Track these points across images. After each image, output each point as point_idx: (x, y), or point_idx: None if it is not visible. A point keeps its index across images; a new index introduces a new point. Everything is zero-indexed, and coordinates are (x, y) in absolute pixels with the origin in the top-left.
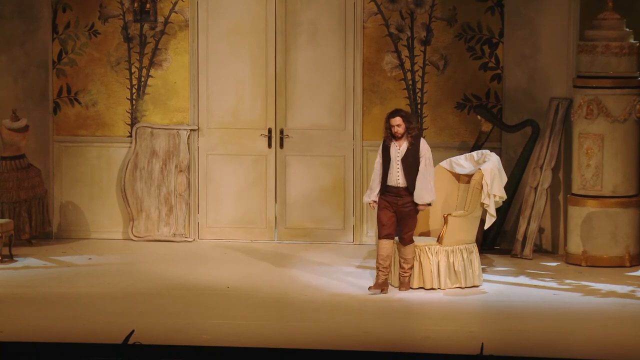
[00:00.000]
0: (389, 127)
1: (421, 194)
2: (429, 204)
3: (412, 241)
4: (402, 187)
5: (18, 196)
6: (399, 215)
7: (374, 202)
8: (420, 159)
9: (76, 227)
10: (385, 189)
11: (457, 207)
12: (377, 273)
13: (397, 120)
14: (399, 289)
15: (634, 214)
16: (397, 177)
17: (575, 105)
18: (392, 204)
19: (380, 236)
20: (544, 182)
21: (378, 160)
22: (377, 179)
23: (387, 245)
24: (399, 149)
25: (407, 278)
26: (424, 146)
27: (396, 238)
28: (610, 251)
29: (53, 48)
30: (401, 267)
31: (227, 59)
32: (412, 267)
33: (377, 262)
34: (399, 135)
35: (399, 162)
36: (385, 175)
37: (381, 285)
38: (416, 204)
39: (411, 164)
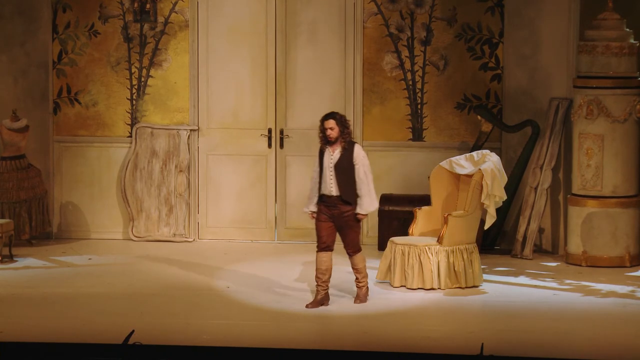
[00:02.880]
0: (323, 130)
1: (363, 203)
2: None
3: (358, 250)
4: (335, 196)
5: (18, 196)
6: (338, 225)
7: (312, 212)
8: (356, 166)
9: (76, 227)
10: (321, 198)
11: (457, 207)
12: (317, 288)
13: (331, 123)
14: (354, 301)
15: (634, 214)
16: (330, 185)
17: (575, 105)
18: (329, 214)
19: (318, 249)
20: (544, 182)
21: (314, 167)
22: (314, 187)
23: (325, 258)
24: (332, 155)
25: (364, 289)
26: (358, 152)
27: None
28: (610, 251)
29: (53, 48)
30: (355, 277)
31: (227, 59)
32: (366, 277)
33: (315, 276)
34: (333, 139)
35: (332, 169)
36: (320, 183)
37: (320, 302)
38: (355, 213)
39: (344, 171)
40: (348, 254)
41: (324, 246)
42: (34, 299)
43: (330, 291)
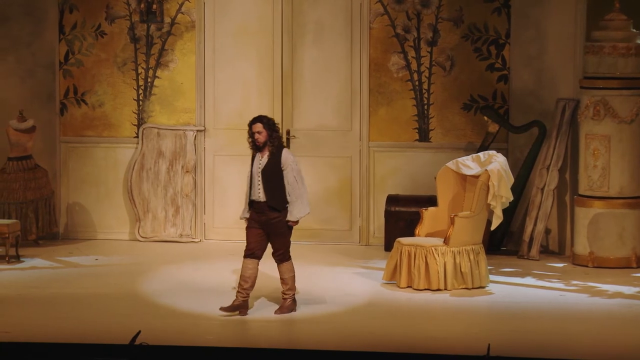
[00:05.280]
0: (250, 134)
1: (292, 210)
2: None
3: (286, 259)
4: (262, 202)
5: (25, 197)
6: (267, 232)
7: (247, 219)
8: (285, 172)
9: (83, 227)
10: (252, 205)
11: (464, 208)
12: (236, 294)
13: (258, 127)
14: (275, 312)
15: None
16: (257, 192)
17: (582, 106)
18: (258, 220)
19: (244, 255)
20: (550, 183)
21: (247, 173)
22: (247, 193)
23: (250, 265)
24: (260, 160)
25: (288, 301)
26: (287, 157)
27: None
28: (617, 252)
29: (60, 49)
30: (282, 287)
31: (234, 59)
32: (293, 289)
33: (238, 282)
34: (260, 144)
35: (259, 175)
36: (250, 189)
37: (237, 307)
38: (287, 220)
39: (271, 177)
40: (275, 261)
41: (249, 253)
42: (41, 300)
43: (335, 291)
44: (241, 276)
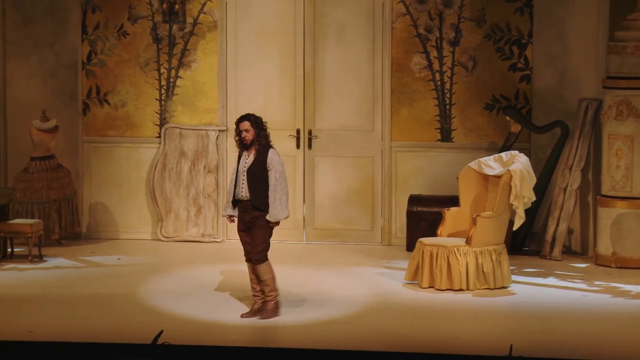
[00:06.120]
0: (238, 132)
1: (271, 211)
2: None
3: (262, 260)
4: (246, 201)
5: (48, 196)
6: (250, 231)
7: (229, 216)
8: (269, 172)
9: (105, 227)
10: (237, 203)
11: (486, 208)
12: (253, 298)
13: (245, 125)
14: (258, 317)
15: None
16: (241, 190)
17: (604, 106)
18: (243, 220)
19: (245, 259)
20: (573, 183)
21: (232, 171)
22: (230, 191)
23: (251, 269)
24: (247, 159)
25: (271, 303)
26: (272, 157)
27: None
28: None
29: (82, 49)
30: (261, 290)
31: (256, 59)
32: (274, 290)
33: (251, 286)
34: (248, 142)
35: (245, 174)
36: (235, 187)
37: (257, 311)
38: (268, 220)
39: (256, 176)
40: (253, 262)
41: (248, 257)
42: (64, 299)
43: (357, 291)
44: (250, 280)
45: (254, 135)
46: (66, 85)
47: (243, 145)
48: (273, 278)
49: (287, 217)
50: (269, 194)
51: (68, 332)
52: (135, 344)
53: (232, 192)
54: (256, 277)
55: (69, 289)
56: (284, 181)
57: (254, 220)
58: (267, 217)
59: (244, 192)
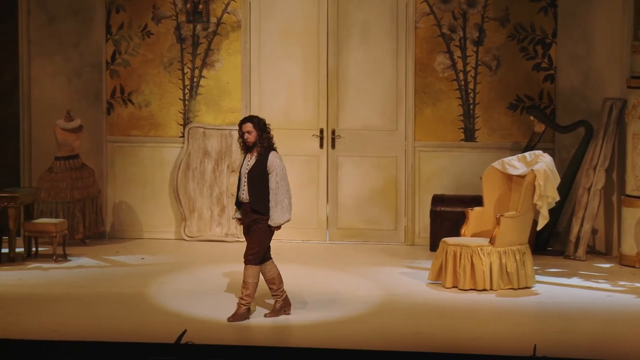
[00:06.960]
0: (241, 134)
1: (271, 215)
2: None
3: (252, 262)
4: (247, 203)
5: (72, 196)
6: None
7: (238, 219)
8: (270, 175)
9: (129, 227)
10: (240, 205)
11: (510, 208)
12: (273, 297)
13: (248, 127)
14: (227, 319)
15: None
16: (243, 193)
17: (629, 105)
18: (244, 223)
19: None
20: (597, 183)
21: (237, 173)
22: (235, 193)
23: (267, 268)
24: (249, 161)
25: (243, 308)
26: (273, 160)
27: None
28: None
29: (106, 49)
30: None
31: (279, 59)
32: (250, 295)
33: (268, 287)
34: (250, 144)
35: (246, 176)
36: (238, 190)
37: (279, 310)
38: (268, 224)
39: (256, 178)
40: (244, 261)
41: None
42: (88, 299)
43: (380, 291)
44: (266, 281)
45: (257, 137)
46: (90, 85)
47: (245, 147)
48: (256, 285)
49: (289, 220)
50: (270, 198)
51: (92, 332)
52: (159, 343)
53: (237, 194)
54: (266, 278)
55: (93, 288)
56: (286, 184)
57: (252, 223)
58: (269, 222)
59: (244, 195)
